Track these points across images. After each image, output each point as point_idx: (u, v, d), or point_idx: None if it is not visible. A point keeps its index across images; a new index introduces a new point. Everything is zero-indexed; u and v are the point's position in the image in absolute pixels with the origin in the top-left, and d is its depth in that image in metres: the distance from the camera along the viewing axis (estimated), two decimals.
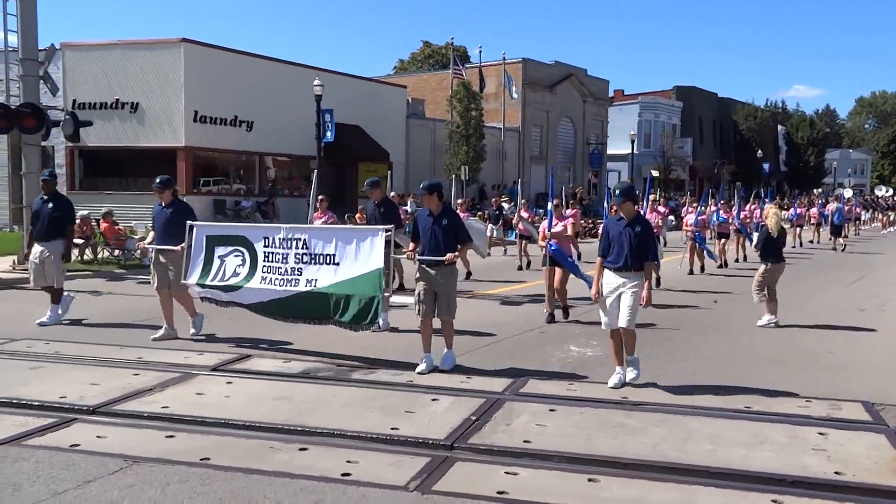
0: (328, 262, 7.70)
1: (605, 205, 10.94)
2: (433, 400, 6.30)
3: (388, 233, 7.83)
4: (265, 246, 8.08)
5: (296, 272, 7.85)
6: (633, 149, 42.98)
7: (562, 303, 10.30)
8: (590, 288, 9.38)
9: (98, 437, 5.35)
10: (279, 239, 8.01)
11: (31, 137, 14.40)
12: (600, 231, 6.98)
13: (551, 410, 6.01)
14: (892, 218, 39.08)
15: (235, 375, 7.07)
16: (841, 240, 24.76)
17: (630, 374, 6.81)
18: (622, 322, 6.72)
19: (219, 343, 8.62)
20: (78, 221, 17.47)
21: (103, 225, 17.13)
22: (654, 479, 4.68)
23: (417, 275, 7.44)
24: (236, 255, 8.25)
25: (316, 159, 25.14)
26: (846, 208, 30.03)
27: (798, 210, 26.65)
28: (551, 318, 10.17)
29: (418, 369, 7.17)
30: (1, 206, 23.70)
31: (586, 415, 5.94)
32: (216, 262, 8.34)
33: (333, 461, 4.91)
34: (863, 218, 38.78)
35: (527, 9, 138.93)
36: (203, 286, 8.35)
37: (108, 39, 27.31)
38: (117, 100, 25.42)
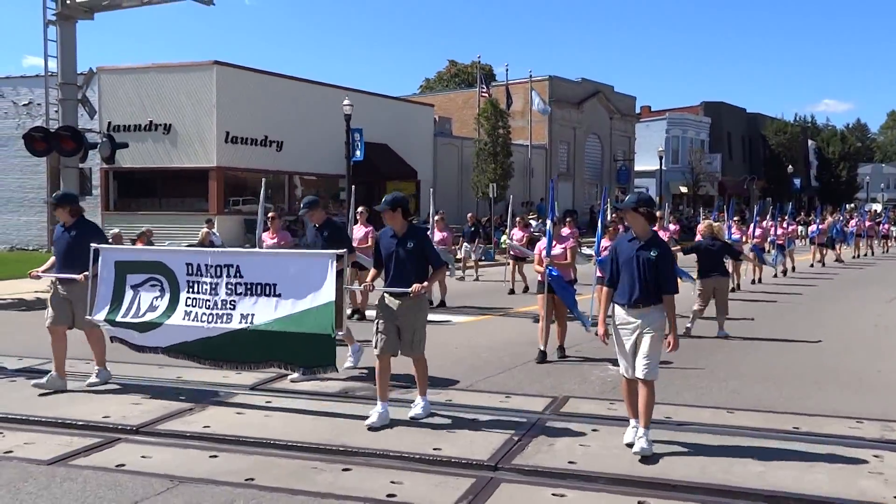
0: (268, 293, 6.40)
1: (549, 221, 9.27)
2: (473, 420, 6.24)
3: (341, 259, 6.48)
4: (189, 274, 6.70)
5: (228, 306, 6.49)
6: (661, 165, 42.73)
7: (559, 336, 8.99)
8: (585, 327, 9.04)
9: (143, 457, 5.38)
10: (206, 265, 6.64)
11: (69, 160, 14.67)
12: (608, 252, 5.88)
13: (594, 430, 5.93)
14: None
15: (274, 394, 7.07)
16: (832, 253, 24.22)
17: (641, 443, 5.24)
18: (640, 372, 5.36)
19: None
20: (110, 241, 17.78)
21: (138, 244, 17.33)
22: (703, 503, 4.58)
23: (378, 307, 6.28)
24: (153, 285, 6.85)
25: (345, 178, 25.31)
26: (853, 223, 29.28)
27: (820, 226, 24.67)
28: (542, 357, 8.67)
29: (369, 422, 5.94)
30: (40, 228, 24.12)
31: (630, 431, 5.84)
32: (128, 294, 6.91)
33: (378, 482, 4.88)
34: (893, 234, 37.61)
35: (553, 26, 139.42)
36: (113, 323, 6.93)
37: (142, 63, 27.83)
38: (151, 121, 25.85)
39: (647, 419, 5.38)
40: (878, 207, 58.15)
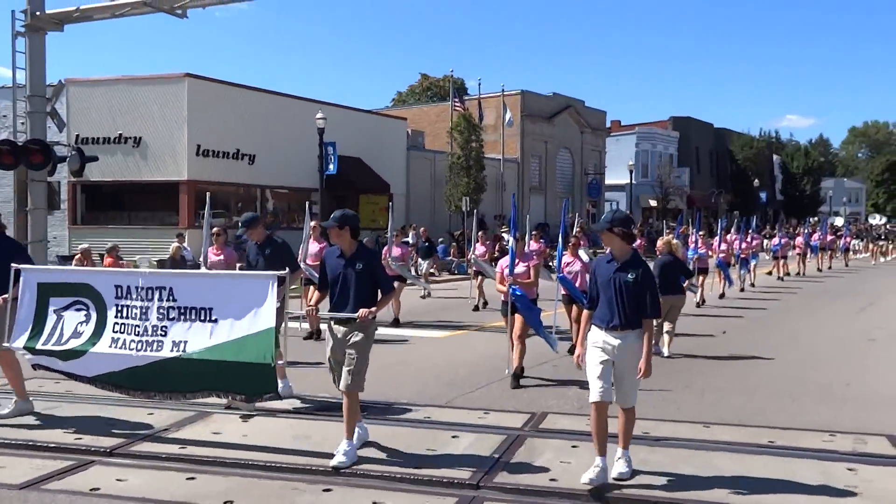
0: (203, 318, 5.92)
1: (511, 236, 8.87)
2: (453, 437, 6.23)
3: (282, 281, 5.97)
4: (118, 297, 6.18)
5: (159, 332, 6.01)
6: (631, 179, 43.23)
7: (517, 359, 8.42)
8: (553, 348, 8.78)
9: (118, 479, 5.28)
10: (136, 288, 6.14)
11: (37, 174, 14.40)
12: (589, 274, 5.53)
13: (574, 447, 5.94)
14: (883, 248, 37.33)
15: (251, 413, 6.99)
16: (795, 265, 24.32)
17: (620, 466, 5.16)
18: (621, 399, 5.16)
19: None
20: (78, 255, 17.50)
21: (107, 260, 17.07)
22: None
23: (326, 334, 5.85)
24: (78, 310, 6.32)
25: (318, 191, 25.21)
26: (815, 236, 29.30)
27: (782, 240, 24.75)
28: (517, 382, 8.34)
29: (334, 461, 5.43)
30: None
31: (609, 451, 5.87)
32: (51, 319, 6.37)
33: (360, 502, 4.84)
34: (854, 247, 37.40)
35: (525, 41, 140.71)
36: (34, 351, 6.39)
37: (112, 75, 27.49)
38: (120, 134, 25.51)
39: (627, 441, 5.24)
40: (839, 221, 59.41)
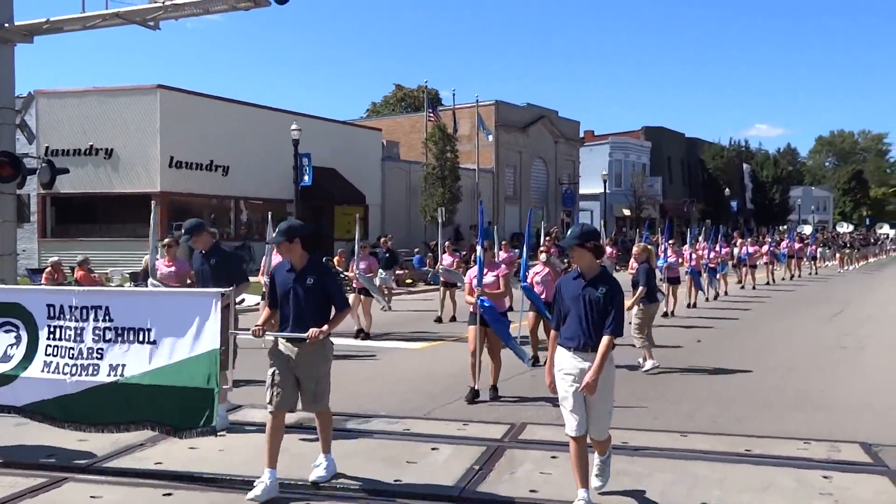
0: (141, 340, 5.47)
1: (478, 248, 8.46)
2: (433, 449, 6.21)
3: (227, 297, 5.46)
4: (50, 317, 5.71)
5: (95, 355, 5.55)
6: (605, 188, 43.60)
7: (492, 374, 8.25)
8: (523, 361, 8.55)
9: (92, 497, 5.19)
10: (71, 307, 5.67)
11: (6, 186, 14.11)
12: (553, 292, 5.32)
13: (553, 458, 5.96)
14: (849, 256, 36.93)
15: (229, 427, 6.91)
16: (761, 275, 24.05)
17: (595, 481, 5.09)
18: (594, 431, 4.92)
19: None
20: (49, 269, 17.25)
21: (78, 273, 16.84)
22: None
23: (272, 354, 5.42)
24: (7, 331, 5.85)
25: (293, 202, 25.10)
26: (784, 244, 29.32)
27: (750, 248, 24.48)
28: (474, 396, 8.03)
29: (251, 495, 5.05)
30: None
31: (589, 461, 5.89)
32: None
33: None
34: (822, 255, 36.96)
35: (499, 52, 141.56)
36: None
37: (82, 87, 27.18)
38: (91, 146, 25.25)
39: (606, 448, 5.17)
40: (808, 229, 60.38)
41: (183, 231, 7.34)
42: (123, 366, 5.47)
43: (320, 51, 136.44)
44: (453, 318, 15.13)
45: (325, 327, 5.24)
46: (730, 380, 9.26)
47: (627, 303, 9.32)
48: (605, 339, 4.74)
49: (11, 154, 13.83)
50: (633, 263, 13.82)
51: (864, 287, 24.97)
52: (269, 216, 13.77)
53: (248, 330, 5.36)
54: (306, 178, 26.26)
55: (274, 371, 5.31)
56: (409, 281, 25.07)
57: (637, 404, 7.90)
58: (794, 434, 6.67)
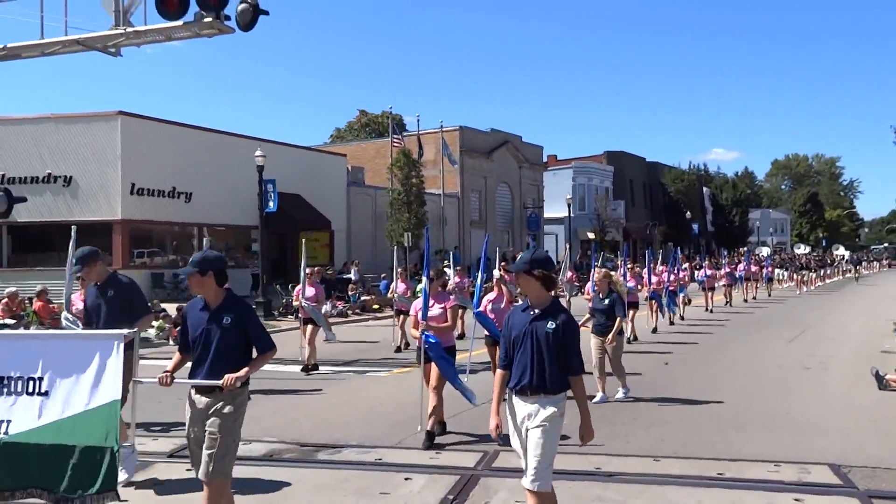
0: (31, 391, 4.71)
1: (424, 279, 7.91)
2: (406, 479, 6.14)
3: (129, 339, 4.85)
4: None
5: None
6: (569, 212, 44.04)
7: (437, 412, 7.48)
8: (471, 402, 7.55)
9: None
10: None
11: None
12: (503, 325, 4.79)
13: None
14: (804, 277, 36.84)
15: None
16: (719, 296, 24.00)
17: None
18: (526, 480, 4.27)
19: (169, 425, 8.26)
20: (5, 300, 16.80)
21: (37, 303, 16.44)
22: None
23: (186, 405, 4.73)
24: None
25: (258, 229, 24.86)
26: (740, 267, 29.36)
27: (707, 271, 24.40)
28: (429, 440, 7.27)
29: None
30: None
31: (562, 488, 5.83)
32: None
33: None
34: (777, 277, 37.17)
35: (462, 78, 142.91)
36: None
37: (41, 113, 26.71)
38: (49, 174, 24.74)
39: None
40: (766, 251, 61.53)
41: (74, 261, 6.54)
42: (8, 422, 4.62)
43: (284, 77, 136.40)
44: (407, 346, 14.67)
45: (244, 371, 4.58)
46: (698, 402, 9.32)
47: (607, 337, 9.32)
48: (573, 381, 4.32)
49: None
50: (588, 289, 13.54)
51: (823, 308, 25.39)
52: (207, 242, 13.08)
53: (154, 378, 4.76)
54: (271, 204, 26.03)
55: (189, 429, 4.65)
56: (375, 306, 24.95)
57: (609, 427, 7.91)
58: (764, 456, 6.72)
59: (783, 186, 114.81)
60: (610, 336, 9.49)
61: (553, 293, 4.51)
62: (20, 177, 24.46)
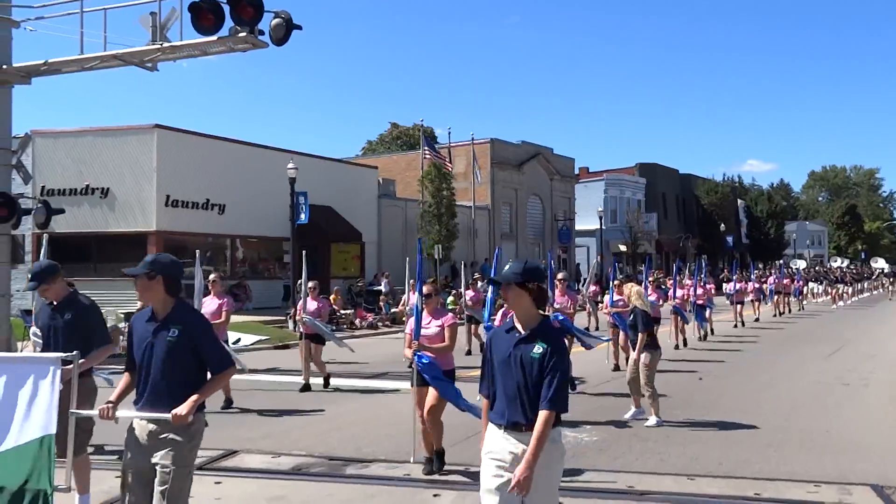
0: None
1: (416, 295, 7.13)
2: (434, 496, 6.07)
3: (70, 366, 4.21)
4: None
5: None
6: (601, 224, 43.71)
7: (434, 440, 6.80)
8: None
9: None
10: None
11: (1, 227, 14.07)
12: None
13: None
14: (840, 291, 35.54)
15: (224, 474, 6.75)
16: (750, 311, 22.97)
17: None
18: None
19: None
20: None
21: None
22: None
23: (126, 436, 4.03)
24: None
25: (289, 241, 25.05)
26: (770, 280, 28.45)
27: (737, 285, 23.25)
28: (429, 467, 6.76)
29: None
30: None
31: None
32: None
33: None
34: (811, 291, 35.93)
35: (494, 91, 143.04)
36: None
37: (79, 126, 27.29)
38: (87, 185, 25.23)
39: None
40: (801, 263, 60.29)
41: (29, 276, 5.74)
42: None
43: (316, 90, 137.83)
44: (469, 352, 15.26)
45: (191, 402, 3.84)
46: (734, 420, 9.10)
47: (633, 354, 8.99)
48: (542, 416, 3.50)
49: (7, 195, 13.77)
50: (607, 302, 13.39)
51: (860, 324, 24.70)
52: (197, 254, 11.41)
53: (96, 411, 4.08)
54: (302, 216, 26.22)
55: (127, 459, 3.95)
56: (405, 318, 24.94)
57: (642, 444, 7.77)
58: (802, 476, 6.53)
59: (820, 198, 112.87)
60: (635, 354, 9.27)
61: (541, 312, 3.83)
62: (59, 188, 24.97)
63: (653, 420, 8.72)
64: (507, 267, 3.83)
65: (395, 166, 42.53)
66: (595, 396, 10.67)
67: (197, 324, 4.14)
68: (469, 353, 15.53)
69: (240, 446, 7.77)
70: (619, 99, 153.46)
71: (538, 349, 3.63)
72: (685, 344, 16.74)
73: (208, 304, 10.53)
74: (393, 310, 25.49)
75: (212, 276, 10.91)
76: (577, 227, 49.99)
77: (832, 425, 8.78)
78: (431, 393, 6.70)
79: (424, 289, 7.05)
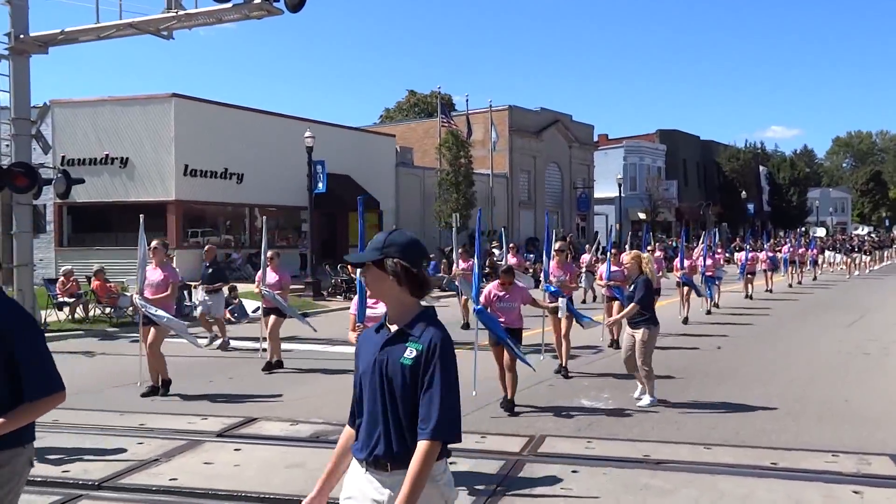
0: None
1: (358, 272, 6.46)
2: (450, 463, 6.10)
3: None
4: None
5: None
6: (619, 192, 43.38)
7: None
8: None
9: None
10: None
11: (22, 196, 14.23)
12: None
13: (574, 472, 5.83)
14: (859, 261, 33.59)
15: (243, 441, 6.84)
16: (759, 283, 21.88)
17: None
18: None
19: (218, 404, 8.41)
20: (62, 278, 17.32)
21: (95, 283, 16.88)
22: None
23: None
24: None
25: (307, 209, 25.10)
26: (785, 249, 27.55)
27: (749, 254, 21.93)
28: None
29: None
30: None
31: (611, 475, 5.77)
32: None
33: None
34: (827, 261, 34.92)
35: (512, 57, 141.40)
36: None
37: (98, 96, 27.36)
38: (107, 155, 25.36)
39: None
40: (822, 232, 59.35)
41: None
42: None
43: (333, 57, 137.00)
44: (466, 325, 14.33)
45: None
46: (751, 389, 9.06)
47: (609, 318, 8.33)
48: (420, 450, 2.50)
49: (27, 164, 13.91)
50: (602, 273, 12.22)
51: (881, 292, 24.21)
52: (141, 219, 10.31)
53: None
54: (320, 185, 26.22)
55: None
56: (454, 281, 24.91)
57: (659, 414, 7.76)
58: (820, 446, 6.50)
59: (844, 164, 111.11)
60: (612, 319, 9.01)
61: (421, 302, 2.73)
62: (79, 158, 25.13)
63: (646, 399, 8.11)
64: (370, 242, 2.77)
65: (413, 134, 42.34)
66: (612, 361, 10.62)
67: (16, 326, 2.84)
68: (466, 326, 14.38)
69: (259, 413, 7.87)
70: (640, 64, 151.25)
71: (410, 352, 2.59)
72: (686, 321, 15.46)
73: (151, 276, 9.41)
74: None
75: (154, 243, 9.68)
76: (597, 194, 49.66)
77: (851, 395, 8.71)
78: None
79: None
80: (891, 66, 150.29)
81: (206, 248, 9.82)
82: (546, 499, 5.26)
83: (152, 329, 9.08)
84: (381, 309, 5.34)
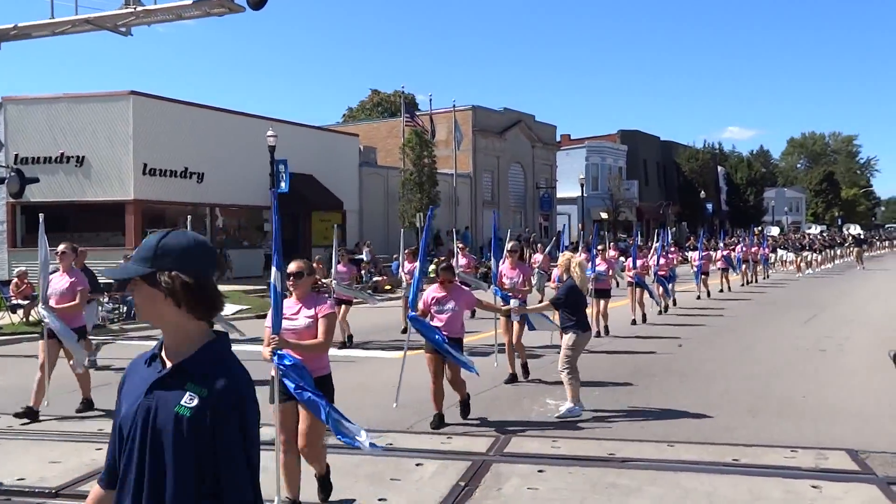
0: None
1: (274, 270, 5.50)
2: (417, 465, 6.09)
3: None
4: None
5: None
6: (582, 192, 43.75)
7: (317, 469, 5.44)
8: (367, 448, 5.10)
9: None
10: None
11: None
12: None
13: (540, 472, 5.86)
14: (809, 259, 33.92)
15: None
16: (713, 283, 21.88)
17: None
18: None
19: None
20: (15, 280, 16.85)
21: (14, 283, 16.47)
22: None
23: None
24: None
25: (269, 209, 24.82)
26: (738, 248, 27.77)
27: (703, 253, 21.46)
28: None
29: None
30: None
31: (576, 475, 5.81)
32: None
33: None
34: (780, 259, 35.57)
35: (475, 57, 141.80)
36: None
37: (53, 93, 26.71)
38: (62, 153, 24.76)
39: None
40: (776, 231, 60.52)
41: None
42: None
43: (296, 56, 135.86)
44: (350, 339, 13.12)
45: None
46: (713, 386, 9.22)
47: (526, 307, 8.36)
48: None
49: None
50: (554, 277, 11.23)
51: (832, 290, 24.58)
52: (42, 219, 9.15)
53: None
54: (283, 184, 25.96)
55: None
56: (387, 287, 24.97)
57: (623, 414, 7.84)
58: (780, 442, 6.63)
59: (799, 165, 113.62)
60: (518, 309, 8.98)
61: (210, 326, 2.07)
62: (33, 157, 24.51)
63: (566, 406, 7.64)
64: (137, 250, 2.09)
65: (377, 134, 42.20)
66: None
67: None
68: (344, 344, 13.08)
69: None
70: (602, 65, 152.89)
71: (190, 399, 1.92)
72: (644, 319, 15.55)
73: (56, 283, 8.41)
74: (375, 279, 25.45)
75: (61, 247, 8.62)
76: (559, 194, 50.04)
77: (809, 391, 8.91)
78: (302, 416, 4.99)
79: (292, 266, 5.29)
80: (843, 69, 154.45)
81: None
82: (512, 500, 5.27)
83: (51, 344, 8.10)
84: (302, 321, 5.02)
